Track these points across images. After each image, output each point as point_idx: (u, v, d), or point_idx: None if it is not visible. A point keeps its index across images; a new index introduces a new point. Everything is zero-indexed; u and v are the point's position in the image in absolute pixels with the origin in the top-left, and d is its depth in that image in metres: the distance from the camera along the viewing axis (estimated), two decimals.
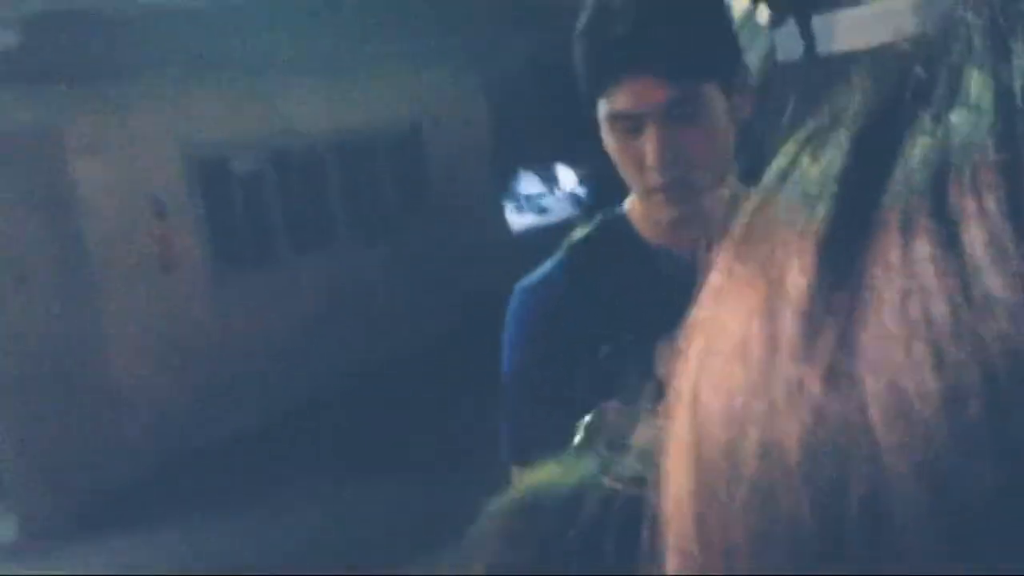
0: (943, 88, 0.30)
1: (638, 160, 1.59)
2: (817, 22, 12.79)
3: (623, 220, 1.76)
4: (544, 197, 23.26)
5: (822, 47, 12.96)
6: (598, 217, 1.82)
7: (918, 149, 0.29)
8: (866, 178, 0.29)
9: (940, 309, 0.26)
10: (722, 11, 1.77)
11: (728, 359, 0.31)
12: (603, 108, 1.59)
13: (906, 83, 0.31)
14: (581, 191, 20.61)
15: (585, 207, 13.73)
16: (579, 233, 1.78)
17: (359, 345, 9.13)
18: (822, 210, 0.29)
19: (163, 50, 7.80)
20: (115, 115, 8.05)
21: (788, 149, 0.33)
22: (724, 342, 0.32)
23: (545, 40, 9.85)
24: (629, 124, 1.57)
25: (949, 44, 0.31)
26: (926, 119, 0.29)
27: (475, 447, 4.69)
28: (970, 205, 0.27)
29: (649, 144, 1.57)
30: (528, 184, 22.90)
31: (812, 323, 0.28)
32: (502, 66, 11.98)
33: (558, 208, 21.29)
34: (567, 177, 22.84)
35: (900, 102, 0.30)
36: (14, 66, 7.00)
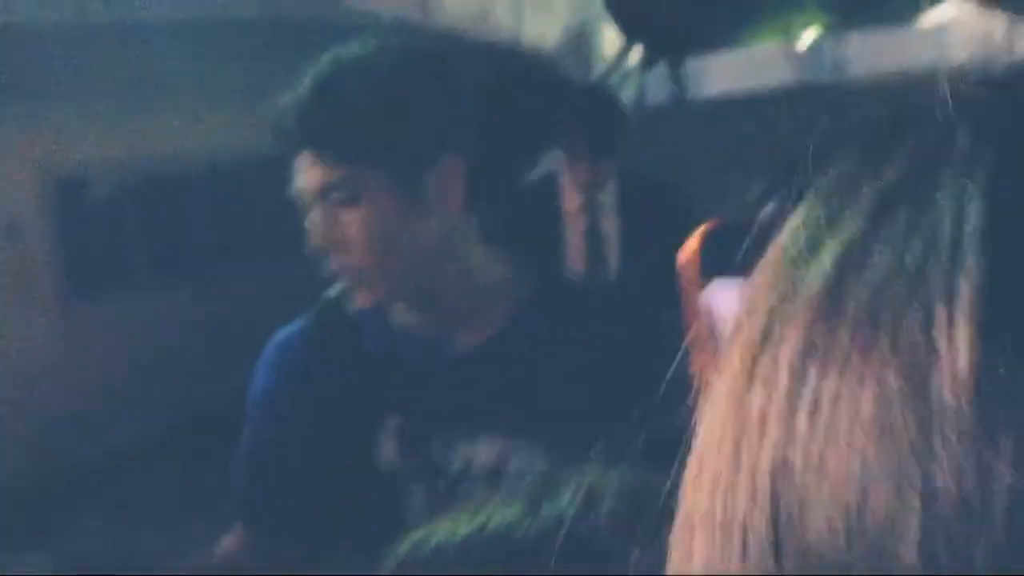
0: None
1: (334, 238, 1.57)
2: (689, 66, 12.97)
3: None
4: None
5: (694, 91, 13.15)
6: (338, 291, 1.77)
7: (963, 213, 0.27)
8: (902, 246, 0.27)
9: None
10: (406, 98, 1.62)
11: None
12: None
13: (939, 146, 0.29)
14: None
15: None
16: (334, 291, 1.72)
17: (220, 377, 8.96)
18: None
19: (25, 69, 7.62)
20: None
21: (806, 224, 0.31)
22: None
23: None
24: (306, 200, 1.57)
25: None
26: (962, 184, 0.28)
27: None
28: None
29: (320, 222, 1.56)
30: None
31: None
32: None
33: None
34: None
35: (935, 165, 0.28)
36: None
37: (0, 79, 7.64)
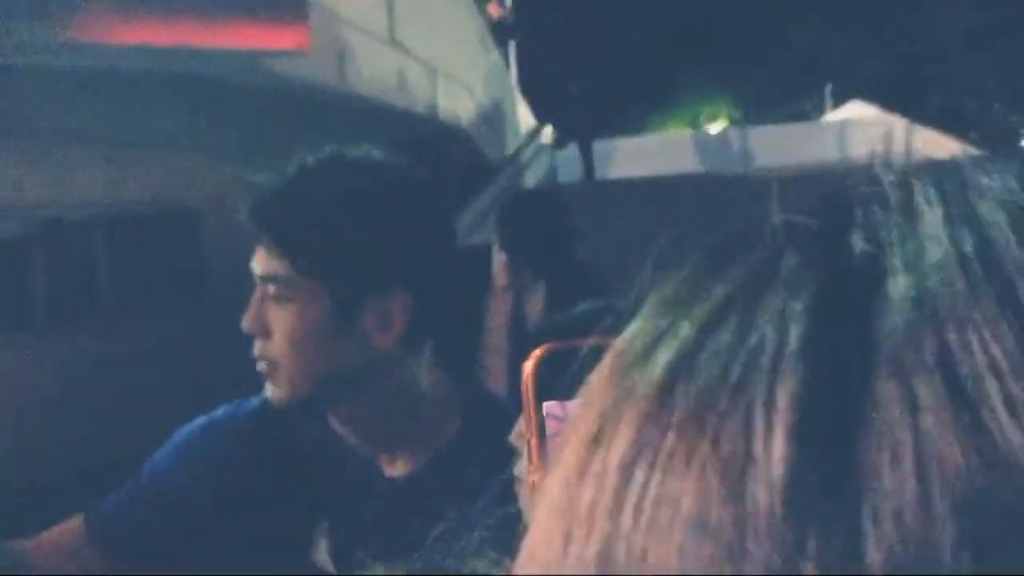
0: (892, 223, 0.30)
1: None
2: (598, 148, 13.23)
3: None
4: None
5: (601, 172, 13.39)
6: None
7: (897, 291, 0.29)
8: (836, 343, 0.29)
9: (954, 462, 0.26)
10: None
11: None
12: None
13: (848, 229, 0.31)
14: None
15: None
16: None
17: (117, 425, 8.85)
18: (786, 389, 0.28)
19: None
20: None
21: (680, 329, 0.32)
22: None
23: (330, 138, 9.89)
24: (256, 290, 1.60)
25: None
26: (891, 258, 0.29)
27: None
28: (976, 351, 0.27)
29: (250, 310, 1.59)
30: None
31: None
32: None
33: None
34: None
35: (851, 252, 0.30)
36: None
37: None
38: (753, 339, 0.30)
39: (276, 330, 1.55)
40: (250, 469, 1.65)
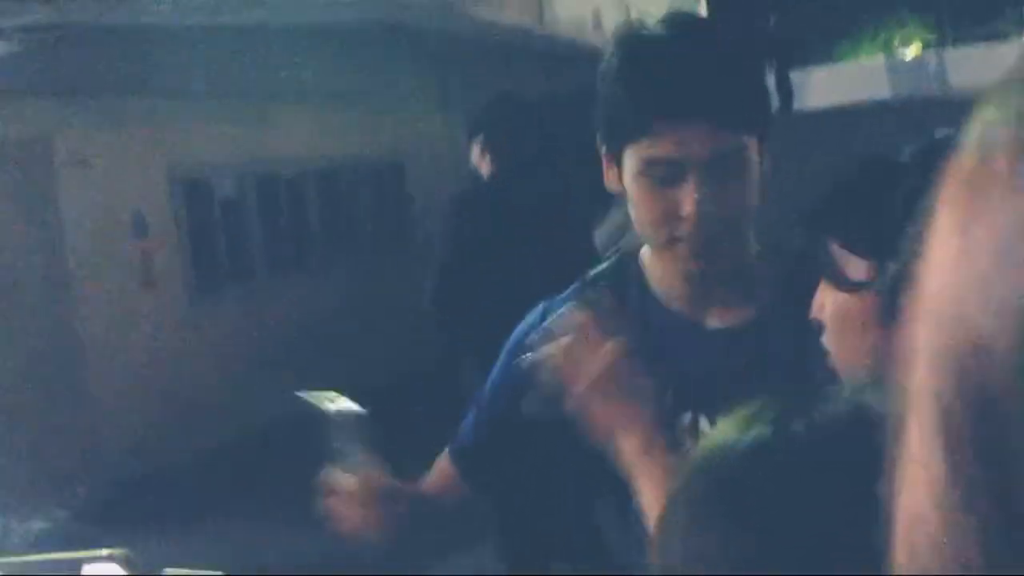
0: None
1: (669, 210, 1.52)
2: (795, 77, 13.00)
3: (638, 267, 1.69)
4: None
5: (799, 102, 13.18)
6: (614, 256, 1.76)
7: None
8: None
9: None
10: (759, 61, 1.80)
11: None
12: (637, 153, 1.53)
13: None
14: None
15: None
16: (595, 271, 1.74)
17: (333, 364, 9.17)
18: None
19: (157, 69, 7.88)
20: (104, 130, 8.10)
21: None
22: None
23: (526, 81, 9.99)
24: (667, 172, 1.51)
25: None
26: None
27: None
28: None
29: (688, 194, 1.50)
30: None
31: None
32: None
33: None
34: None
35: None
36: (9, 75, 7.06)
37: (133, 78, 7.95)
38: None
39: (730, 207, 1.54)
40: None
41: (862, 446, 0.71)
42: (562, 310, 1.61)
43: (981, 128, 0.39)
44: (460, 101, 11.33)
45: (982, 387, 0.37)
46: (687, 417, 1.60)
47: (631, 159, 1.53)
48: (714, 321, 1.65)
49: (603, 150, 1.59)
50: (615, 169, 1.58)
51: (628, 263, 1.70)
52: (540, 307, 1.72)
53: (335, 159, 10.45)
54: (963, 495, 0.37)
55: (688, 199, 1.51)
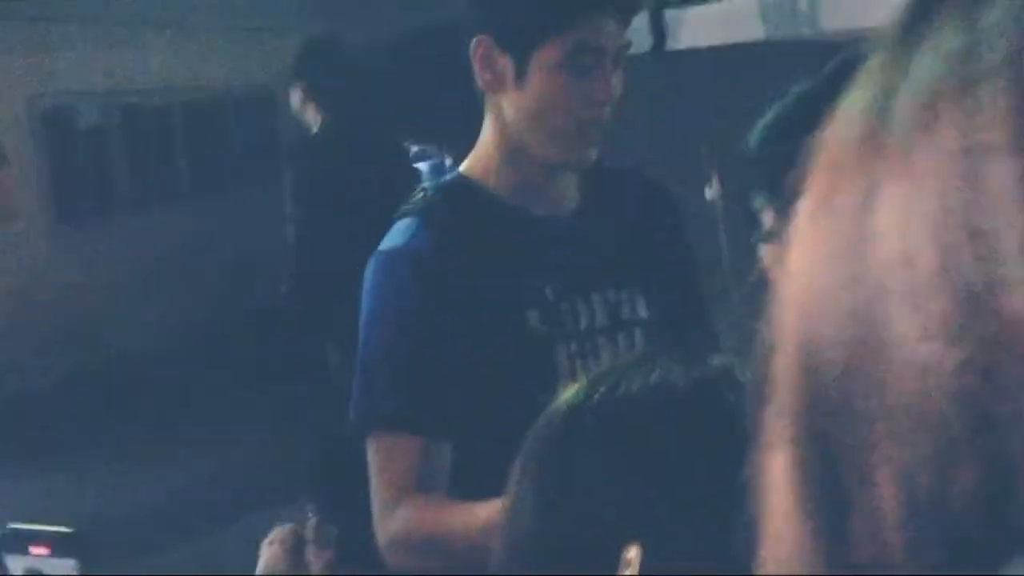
0: None
1: (583, 96, 1.65)
2: (668, 17, 13.08)
3: (466, 182, 1.75)
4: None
5: (671, 43, 13.27)
6: (435, 183, 1.84)
7: None
8: None
9: None
10: None
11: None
12: (558, 46, 1.63)
13: None
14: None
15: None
16: (425, 194, 1.74)
17: (197, 301, 9.11)
18: None
19: None
20: None
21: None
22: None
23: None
24: (590, 60, 1.65)
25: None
26: None
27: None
28: None
29: (603, 81, 1.65)
30: None
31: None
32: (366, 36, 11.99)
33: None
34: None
35: None
36: None
37: None
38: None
39: (615, 95, 1.70)
40: (452, 263, 1.66)
41: (714, 416, 0.78)
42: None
43: (869, 93, 0.36)
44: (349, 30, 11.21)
45: (822, 386, 0.35)
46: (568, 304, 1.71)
47: (549, 52, 1.64)
48: (553, 210, 1.76)
49: (497, 51, 1.67)
50: (511, 69, 1.66)
51: (455, 183, 1.77)
52: (380, 258, 1.69)
53: (204, 87, 10.28)
54: (807, 494, 0.36)
55: (604, 85, 1.66)
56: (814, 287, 0.35)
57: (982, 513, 0.31)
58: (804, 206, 0.37)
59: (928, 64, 0.34)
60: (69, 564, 1.54)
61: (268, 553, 1.67)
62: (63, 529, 1.59)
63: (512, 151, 1.71)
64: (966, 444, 0.31)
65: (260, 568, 1.67)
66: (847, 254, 0.34)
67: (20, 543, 1.56)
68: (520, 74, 1.65)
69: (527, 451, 0.85)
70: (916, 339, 0.32)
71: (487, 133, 1.74)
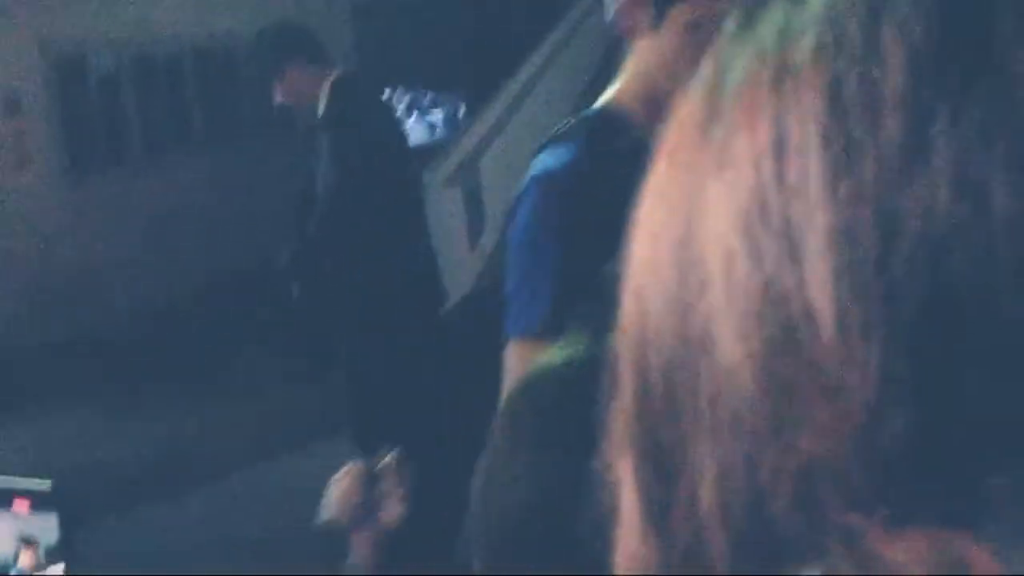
0: None
1: (694, 58, 1.72)
2: None
3: (612, 112, 1.83)
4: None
5: None
6: (583, 112, 1.91)
7: None
8: None
9: None
10: None
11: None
12: (694, 8, 1.75)
13: None
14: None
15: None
16: (573, 123, 1.86)
17: (214, 249, 9.13)
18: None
19: None
20: None
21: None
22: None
23: None
24: (710, 27, 1.71)
25: None
26: None
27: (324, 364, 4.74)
28: None
29: (703, 48, 1.73)
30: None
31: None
32: None
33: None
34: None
35: None
36: None
37: None
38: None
39: None
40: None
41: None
42: None
43: (711, 70, 0.36)
44: None
45: (651, 380, 0.34)
46: None
47: (686, 12, 1.76)
48: None
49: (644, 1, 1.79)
50: (649, 17, 1.78)
51: (600, 113, 1.85)
52: (540, 179, 1.78)
53: (216, 35, 10.23)
54: (644, 494, 0.35)
55: (701, 51, 1.74)
56: (647, 274, 0.34)
57: (794, 512, 0.30)
58: (648, 187, 0.36)
59: (755, 49, 0.34)
60: (49, 519, 1.52)
61: (338, 489, 1.67)
62: (42, 482, 1.56)
63: (648, 87, 1.81)
64: (773, 444, 0.30)
65: (328, 505, 1.66)
66: (677, 243, 0.33)
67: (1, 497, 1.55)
68: (655, 25, 1.78)
69: (504, 410, 0.85)
70: (729, 336, 0.31)
71: (628, 70, 1.85)
